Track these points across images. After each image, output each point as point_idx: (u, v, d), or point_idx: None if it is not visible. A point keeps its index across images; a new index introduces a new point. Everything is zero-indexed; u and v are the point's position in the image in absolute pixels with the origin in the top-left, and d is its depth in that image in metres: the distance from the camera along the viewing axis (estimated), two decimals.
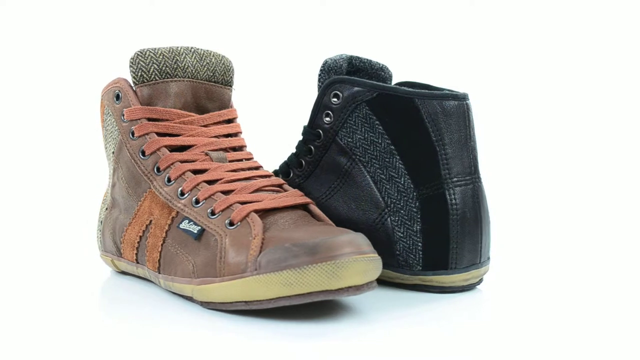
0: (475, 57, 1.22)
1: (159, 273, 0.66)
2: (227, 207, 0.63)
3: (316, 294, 0.57)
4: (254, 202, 0.63)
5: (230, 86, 0.73)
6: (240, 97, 0.77)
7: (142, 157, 0.67)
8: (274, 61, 0.99)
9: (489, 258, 0.70)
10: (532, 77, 1.22)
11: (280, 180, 0.68)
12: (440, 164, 0.67)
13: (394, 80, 0.76)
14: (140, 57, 0.68)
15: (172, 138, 0.68)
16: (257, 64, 0.97)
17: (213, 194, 0.64)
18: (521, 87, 1.22)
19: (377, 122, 0.68)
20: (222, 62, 0.72)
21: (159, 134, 0.68)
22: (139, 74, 0.68)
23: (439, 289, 0.68)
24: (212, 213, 0.63)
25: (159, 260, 0.66)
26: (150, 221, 0.67)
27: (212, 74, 0.71)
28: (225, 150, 0.69)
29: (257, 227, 0.60)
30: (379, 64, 0.75)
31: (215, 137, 0.70)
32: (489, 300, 0.67)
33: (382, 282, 0.70)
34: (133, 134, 0.68)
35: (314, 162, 0.71)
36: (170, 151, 0.67)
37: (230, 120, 0.72)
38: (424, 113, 0.66)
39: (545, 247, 0.89)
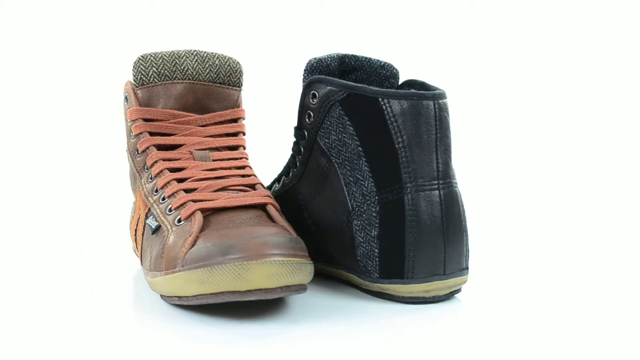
0: (490, 59, 1.20)
1: (142, 264, 0.71)
2: (181, 205, 0.65)
3: (227, 294, 0.58)
4: (207, 200, 0.65)
5: (238, 87, 0.75)
6: (256, 98, 0.79)
7: (137, 155, 0.72)
8: (284, 62, 0.99)
9: (463, 269, 0.65)
10: (537, 75, 1.20)
11: (254, 181, 0.69)
12: (401, 167, 0.64)
13: (402, 79, 0.74)
14: (141, 61, 0.73)
15: (162, 137, 0.71)
16: (267, 65, 0.97)
17: (176, 192, 0.67)
18: (527, 86, 1.20)
19: (349, 122, 0.66)
20: (227, 63, 0.74)
21: (152, 134, 0.72)
22: (139, 77, 0.72)
23: (399, 298, 0.65)
24: (170, 210, 0.66)
25: (141, 252, 0.70)
26: (140, 216, 0.71)
27: (215, 75, 0.73)
28: (216, 149, 0.72)
29: (195, 226, 0.62)
30: (380, 62, 0.73)
31: (210, 136, 0.72)
32: (445, 315, 0.63)
33: (355, 287, 0.68)
34: (132, 133, 0.73)
35: (303, 162, 0.71)
36: (159, 150, 0.71)
37: (234, 120, 0.74)
38: (388, 113, 0.64)
39: (537, 257, 0.81)
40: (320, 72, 0.70)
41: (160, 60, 0.72)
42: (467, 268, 0.66)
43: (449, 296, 0.65)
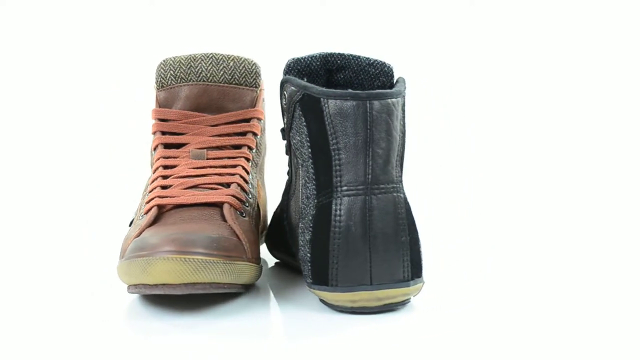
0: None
1: None
2: (150, 200, 0.70)
3: (141, 286, 0.61)
4: (171, 197, 0.69)
5: (255, 87, 0.77)
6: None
7: (152, 153, 0.78)
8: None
9: (400, 281, 0.61)
10: (527, 77, 1.20)
11: (233, 179, 0.71)
12: (333, 170, 0.61)
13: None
14: (161, 65, 0.78)
15: (171, 136, 0.76)
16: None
17: (154, 188, 0.71)
18: (512, 90, 1.20)
19: (304, 123, 0.65)
20: (243, 65, 0.77)
21: (163, 133, 0.77)
22: (159, 80, 0.78)
23: (330, 306, 0.63)
24: (144, 205, 0.71)
25: None
26: None
27: (230, 76, 0.76)
28: (218, 148, 0.74)
29: (146, 220, 0.67)
30: (369, 60, 0.70)
31: (216, 136, 0.75)
32: (365, 329, 0.59)
33: None
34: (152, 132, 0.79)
35: (290, 163, 0.72)
36: (165, 148, 0.76)
37: (245, 120, 0.77)
38: (326, 114, 0.62)
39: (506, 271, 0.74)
40: (299, 71, 0.69)
41: (178, 64, 0.77)
42: (410, 280, 0.61)
43: (383, 308, 0.61)
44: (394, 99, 0.61)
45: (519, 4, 1.20)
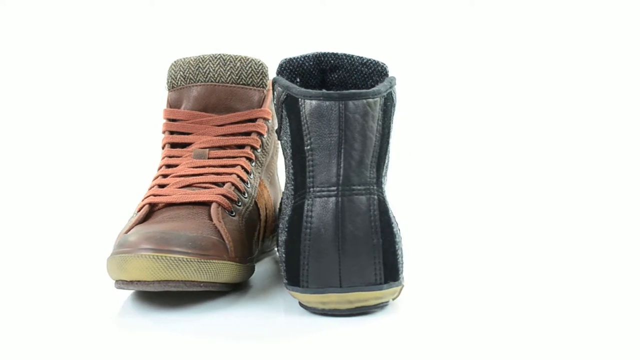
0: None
1: None
2: (145, 198, 0.71)
3: (120, 282, 0.63)
4: (164, 195, 0.70)
5: (262, 87, 0.78)
6: None
7: (162, 151, 0.80)
8: None
9: (371, 284, 0.60)
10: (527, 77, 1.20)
11: (227, 179, 0.72)
12: (307, 171, 0.61)
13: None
14: (172, 66, 0.80)
15: (178, 136, 0.77)
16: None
17: (152, 187, 0.73)
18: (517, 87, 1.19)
19: (288, 123, 0.66)
20: (249, 65, 0.77)
21: (171, 132, 0.78)
22: (169, 80, 0.80)
23: (304, 307, 0.62)
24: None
25: None
26: None
27: (237, 77, 0.77)
28: (221, 147, 0.75)
29: (136, 218, 0.68)
30: (362, 59, 0.69)
31: (221, 135, 0.76)
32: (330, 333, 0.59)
33: None
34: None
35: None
36: (171, 147, 0.77)
37: (251, 120, 0.77)
38: (303, 115, 0.62)
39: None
40: (291, 72, 0.69)
41: (187, 65, 0.78)
42: (382, 284, 0.60)
43: (354, 311, 0.60)
44: (370, 99, 0.60)
45: (517, 4, 1.18)
